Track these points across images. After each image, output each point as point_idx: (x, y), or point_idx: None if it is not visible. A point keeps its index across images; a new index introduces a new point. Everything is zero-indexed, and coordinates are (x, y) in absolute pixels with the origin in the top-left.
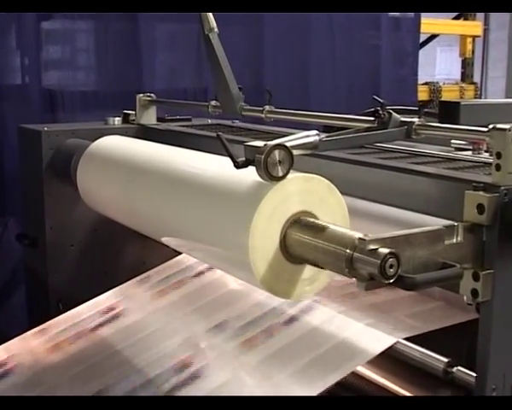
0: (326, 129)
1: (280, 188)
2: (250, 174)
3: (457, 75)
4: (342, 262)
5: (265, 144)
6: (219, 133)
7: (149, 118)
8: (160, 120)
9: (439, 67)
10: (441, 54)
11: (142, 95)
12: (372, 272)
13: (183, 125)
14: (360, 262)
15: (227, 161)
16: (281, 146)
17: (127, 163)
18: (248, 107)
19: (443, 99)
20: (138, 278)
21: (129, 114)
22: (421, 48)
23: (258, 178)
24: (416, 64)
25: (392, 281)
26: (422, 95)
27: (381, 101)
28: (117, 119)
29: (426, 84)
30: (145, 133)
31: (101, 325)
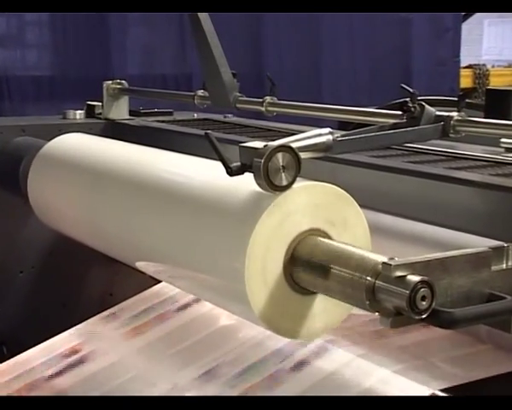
0: (342, 126)
1: (284, 200)
2: (246, 183)
3: (511, 56)
4: (362, 293)
5: (266, 145)
6: (208, 131)
7: (120, 111)
8: (133, 113)
9: (486, 45)
10: (490, 28)
11: (110, 82)
12: (399, 306)
13: (162, 121)
14: (384, 293)
15: (218, 166)
16: (285, 148)
17: (92, 169)
18: (245, 98)
19: (490, 87)
20: (107, 312)
21: (94, 107)
22: (464, 21)
23: (257, 188)
24: (458, 42)
25: (424, 317)
26: (465, 81)
27: (412, 90)
28: (79, 112)
29: (469, 67)
30: (115, 130)
31: (60, 372)
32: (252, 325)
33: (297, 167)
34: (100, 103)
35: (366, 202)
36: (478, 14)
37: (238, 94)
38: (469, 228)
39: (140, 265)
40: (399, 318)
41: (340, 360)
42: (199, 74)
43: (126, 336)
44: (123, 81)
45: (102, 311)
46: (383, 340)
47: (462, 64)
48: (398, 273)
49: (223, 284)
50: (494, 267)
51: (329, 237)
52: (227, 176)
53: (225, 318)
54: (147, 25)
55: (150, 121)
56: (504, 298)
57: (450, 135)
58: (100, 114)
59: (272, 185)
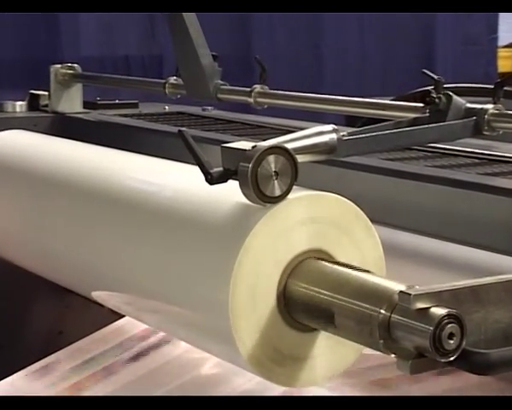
0: (350, 122)
1: (277, 215)
2: (230, 193)
3: None
4: (374, 329)
5: (255, 146)
6: (182, 128)
7: (71, 102)
8: (88, 105)
9: None
10: None
11: (59, 66)
12: (421, 346)
13: (125, 115)
14: (402, 329)
15: (195, 172)
16: (278, 149)
17: (36, 176)
18: (228, 86)
19: None
20: (53, 356)
21: (38, 97)
22: None
23: (244, 200)
24: (495, 14)
25: (452, 359)
26: (504, 64)
27: (436, 77)
28: (19, 103)
29: (510, 46)
30: (65, 127)
31: None
32: (238, 370)
33: (293, 174)
34: (46, 93)
35: (379, 216)
36: None
37: (220, 82)
38: (509, 249)
39: (97, 295)
40: (421, 361)
41: None
42: (171, 57)
43: (77, 388)
44: (75, 65)
45: (50, 353)
46: (399, 388)
47: (501, 43)
48: (420, 305)
49: (201, 319)
50: None
51: (334, 260)
52: (206, 184)
53: (206, 362)
54: None
55: (110, 115)
56: None
57: (485, 132)
58: (46, 105)
59: (262, 196)
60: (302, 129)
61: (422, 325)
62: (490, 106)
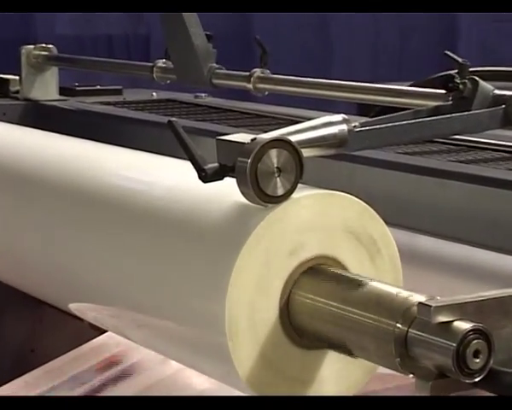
0: (362, 111)
1: (280, 217)
2: (227, 193)
3: None
4: (390, 346)
5: (254, 139)
6: (172, 119)
7: (46, 89)
8: (65, 92)
9: None
10: None
11: (31, 47)
12: (443, 364)
13: (107, 103)
14: (422, 346)
15: (187, 168)
16: (281, 142)
17: (6, 172)
18: (224, 70)
19: None
20: (27, 376)
21: (8, 82)
22: None
23: (242, 200)
24: None
25: (478, 380)
26: None
27: (460, 59)
28: None
29: None
30: (39, 116)
31: None
32: (235, 392)
33: (298, 170)
34: (17, 77)
35: (396, 217)
36: None
37: (215, 65)
38: None
39: (75, 308)
40: (443, 381)
41: None
42: (160, 37)
43: None
44: (50, 46)
45: (19, 374)
46: None
47: None
48: (441, 318)
49: (194, 334)
50: None
51: (344, 268)
52: (200, 183)
53: (200, 383)
54: None
55: (90, 103)
56: None
57: None
58: (17, 92)
59: (263, 195)
60: (308, 119)
61: (444, 341)
62: None
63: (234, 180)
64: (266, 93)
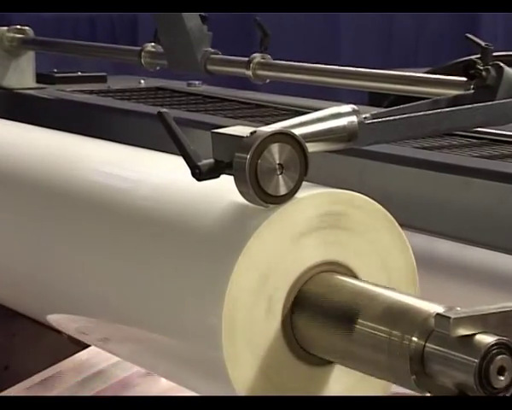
0: (374, 100)
1: (282, 218)
2: (224, 192)
3: None
4: (405, 362)
5: (254, 132)
6: (162, 110)
7: (21, 75)
8: (42, 79)
9: None
10: None
11: (5, 29)
12: (463, 382)
13: (90, 91)
14: (440, 362)
15: (180, 164)
16: (284, 136)
17: None
18: (220, 55)
19: None
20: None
21: None
22: None
23: (241, 200)
24: None
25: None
26: None
27: (483, 43)
28: None
29: None
30: (13, 106)
31: None
32: None
33: (302, 167)
34: None
35: (412, 219)
36: None
37: (210, 50)
38: None
39: (54, 320)
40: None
41: None
42: (148, 18)
43: None
44: (26, 27)
45: None
46: None
47: None
48: (462, 331)
49: (187, 348)
50: None
51: (354, 275)
52: (193, 181)
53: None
54: None
55: (70, 92)
56: None
57: None
58: None
59: (264, 195)
60: (314, 110)
61: (465, 357)
62: None
63: (231, 178)
64: (267, 81)
